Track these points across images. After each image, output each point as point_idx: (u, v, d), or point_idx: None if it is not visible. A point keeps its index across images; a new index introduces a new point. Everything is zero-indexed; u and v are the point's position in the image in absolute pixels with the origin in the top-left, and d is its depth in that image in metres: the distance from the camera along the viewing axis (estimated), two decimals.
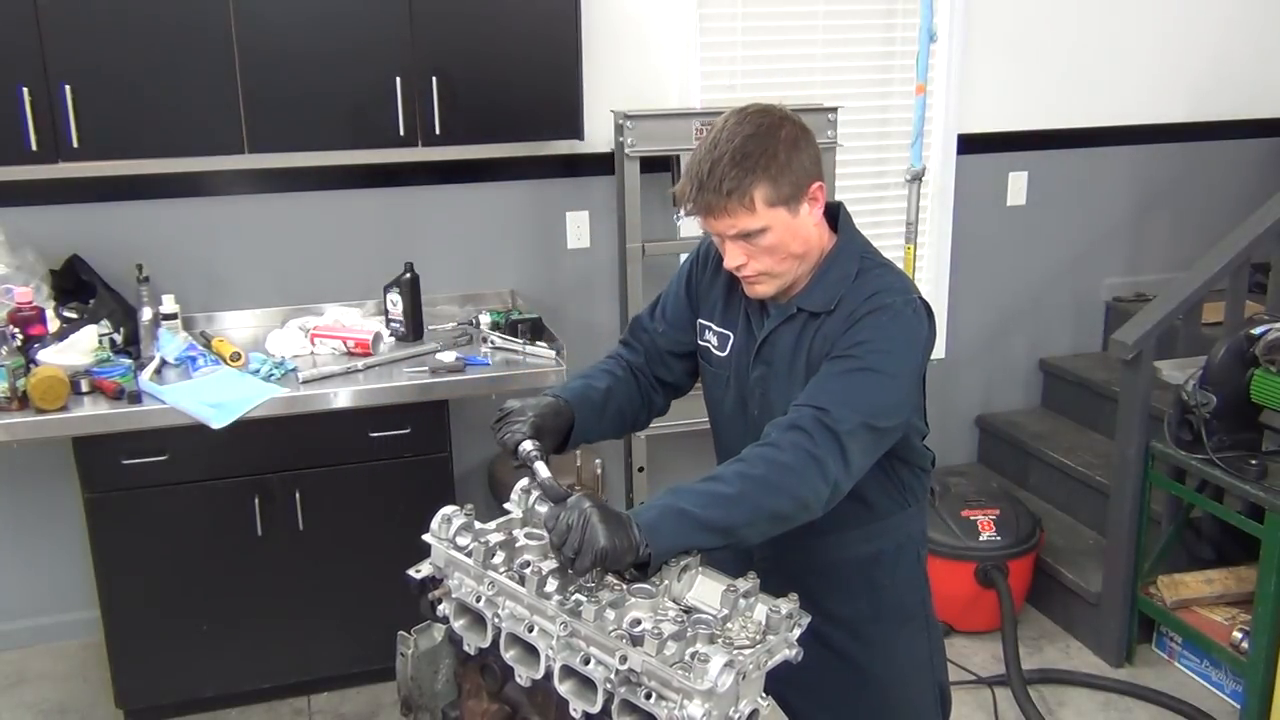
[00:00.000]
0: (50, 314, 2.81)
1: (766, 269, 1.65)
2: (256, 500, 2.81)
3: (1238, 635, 2.87)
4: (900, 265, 3.64)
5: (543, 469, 1.59)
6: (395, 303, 3.14)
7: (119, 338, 2.87)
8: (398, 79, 2.93)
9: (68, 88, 2.71)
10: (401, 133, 2.97)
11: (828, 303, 1.67)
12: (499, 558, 1.47)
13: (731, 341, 1.79)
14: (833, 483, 1.53)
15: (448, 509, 1.57)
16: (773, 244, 1.62)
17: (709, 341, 1.83)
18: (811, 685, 1.44)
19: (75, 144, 2.74)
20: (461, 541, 1.52)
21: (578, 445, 1.78)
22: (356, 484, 2.88)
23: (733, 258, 1.64)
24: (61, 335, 2.74)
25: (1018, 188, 4.02)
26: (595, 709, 1.31)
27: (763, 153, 1.57)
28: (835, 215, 1.74)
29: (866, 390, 1.58)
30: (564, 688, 1.35)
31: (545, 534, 1.49)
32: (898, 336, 1.62)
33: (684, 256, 1.93)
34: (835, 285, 1.68)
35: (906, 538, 1.87)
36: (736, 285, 1.76)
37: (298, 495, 2.84)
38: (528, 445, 1.61)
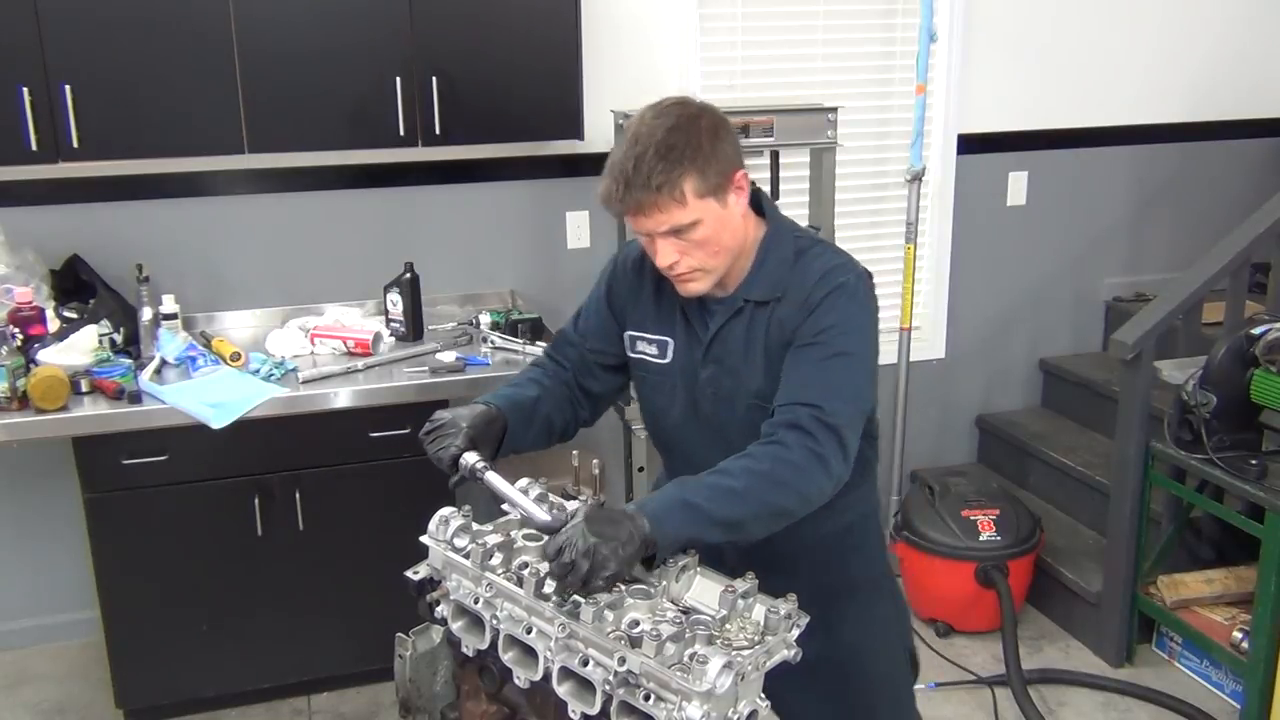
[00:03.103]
0: (50, 314, 2.81)
1: (700, 264, 1.63)
2: (256, 500, 2.81)
3: (1238, 635, 2.87)
4: (900, 265, 3.69)
5: (495, 479, 1.57)
6: (395, 303, 3.14)
7: (119, 338, 2.88)
8: (398, 79, 2.93)
9: (68, 88, 2.71)
10: (401, 133, 2.97)
11: (773, 290, 1.67)
12: (497, 559, 1.47)
13: (673, 347, 1.76)
14: (836, 478, 1.56)
15: (445, 510, 1.57)
16: (705, 237, 1.60)
17: (644, 353, 1.80)
18: (787, 665, 1.45)
19: (75, 144, 2.74)
20: (459, 543, 1.53)
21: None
22: (356, 484, 2.88)
23: (665, 256, 1.62)
24: (61, 335, 2.74)
25: (1018, 188, 4.02)
26: (594, 710, 1.32)
27: (687, 144, 1.55)
28: (757, 203, 1.73)
29: (847, 377, 1.60)
30: (562, 689, 1.35)
31: (545, 537, 1.49)
32: (859, 314, 1.64)
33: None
34: (776, 270, 1.68)
35: (869, 508, 1.88)
36: (665, 289, 1.74)
37: (298, 495, 2.84)
38: (471, 457, 1.60)
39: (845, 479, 1.58)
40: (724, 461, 1.54)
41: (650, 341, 1.79)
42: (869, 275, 1.69)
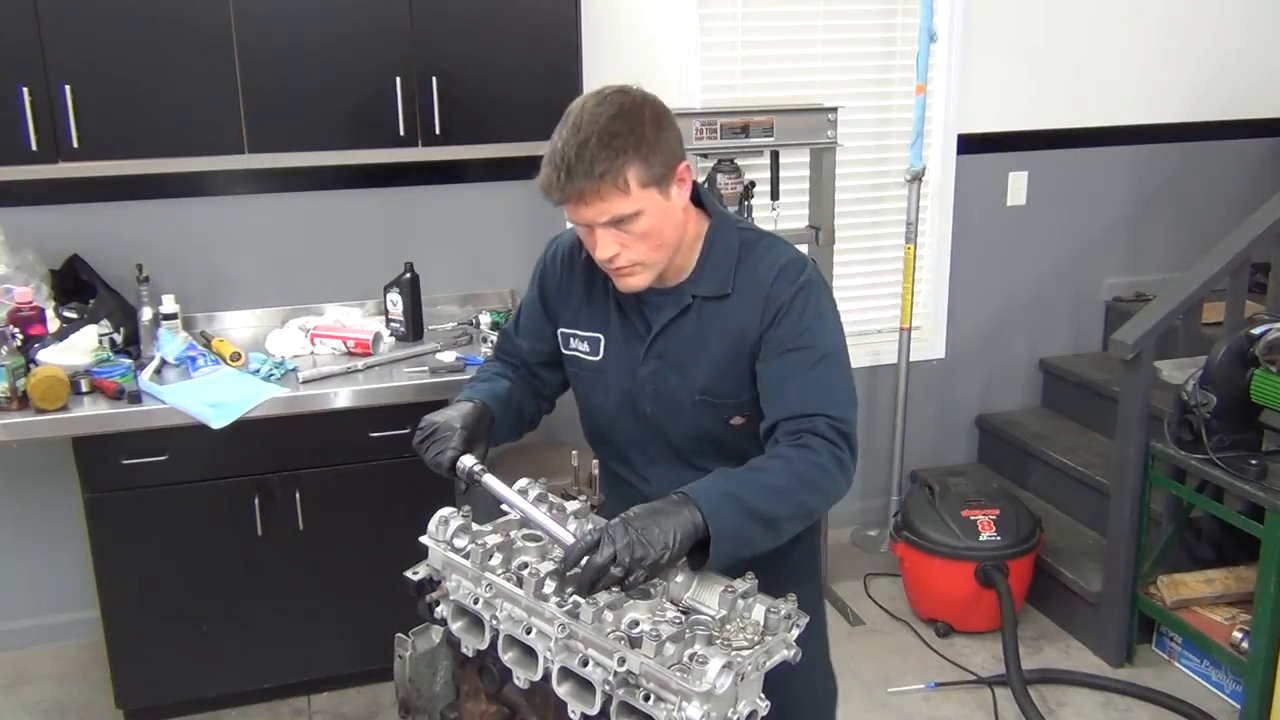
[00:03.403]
0: (50, 314, 2.81)
1: (641, 258, 1.59)
2: (256, 500, 2.81)
3: (1238, 635, 2.87)
4: (900, 265, 3.68)
5: (493, 482, 1.57)
6: (395, 303, 3.14)
7: (119, 338, 2.88)
8: (398, 79, 2.92)
9: (68, 88, 2.71)
10: (401, 133, 2.96)
11: (722, 285, 1.65)
12: (496, 559, 1.47)
13: (604, 343, 1.74)
14: (850, 481, 1.58)
15: (445, 510, 1.57)
16: (647, 229, 1.56)
17: (576, 349, 1.78)
18: None
19: (75, 144, 2.74)
20: (459, 543, 1.52)
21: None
22: (356, 484, 2.88)
23: (605, 248, 1.57)
24: (61, 335, 2.74)
25: (1018, 188, 4.02)
26: (594, 711, 1.31)
27: (630, 131, 1.51)
28: (697, 197, 1.70)
29: (840, 378, 1.62)
30: (562, 689, 1.35)
31: (544, 537, 1.50)
32: (827, 308, 1.65)
33: None
34: (722, 263, 1.66)
35: None
36: (596, 284, 1.73)
37: (298, 495, 2.84)
38: (468, 460, 1.60)
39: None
40: (756, 459, 1.55)
41: (582, 338, 1.76)
42: (815, 262, 1.71)
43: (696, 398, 1.67)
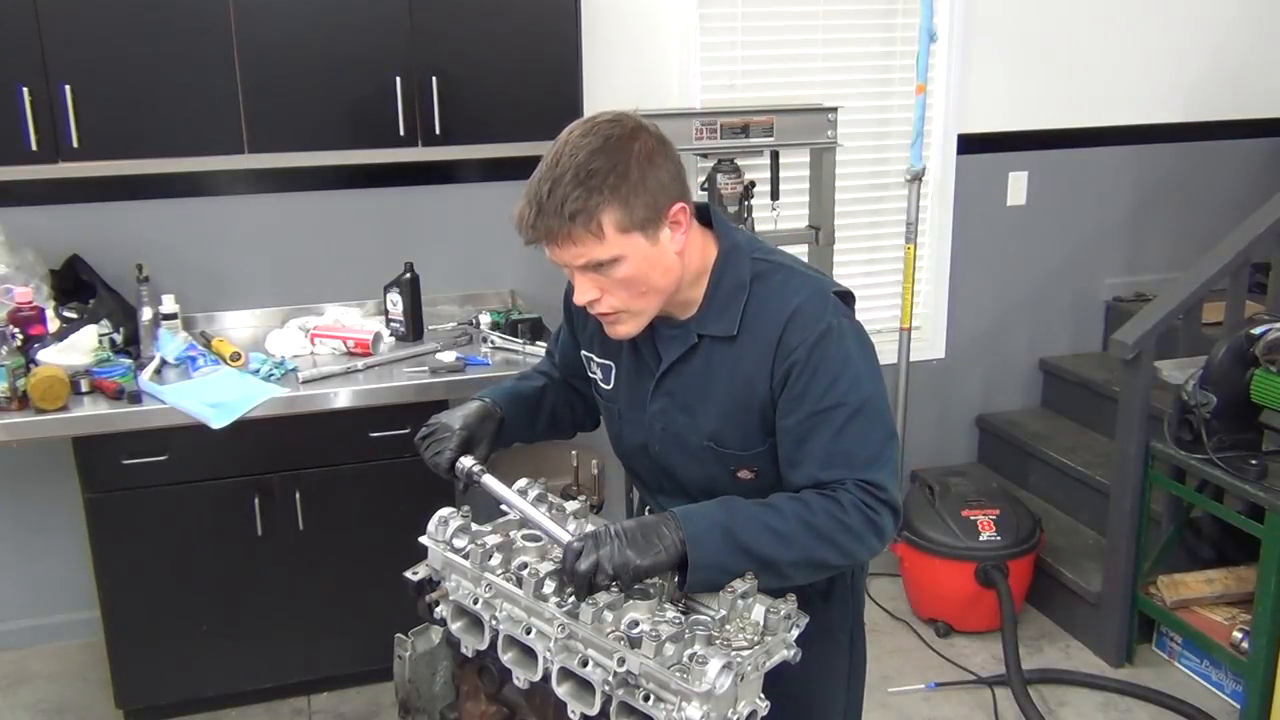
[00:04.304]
0: (50, 314, 2.81)
1: (624, 305, 1.47)
2: (256, 500, 2.81)
3: (1238, 635, 2.87)
4: (900, 265, 3.68)
5: (492, 482, 1.56)
6: (395, 303, 3.14)
7: (119, 338, 2.88)
8: (398, 79, 2.92)
9: (68, 88, 2.71)
10: (401, 133, 2.96)
11: (730, 324, 1.52)
12: (496, 560, 1.47)
13: (615, 373, 1.65)
14: (887, 540, 1.49)
15: (444, 511, 1.57)
16: (629, 276, 1.43)
17: (595, 374, 1.70)
18: None
19: (75, 144, 2.74)
20: (458, 543, 1.52)
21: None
22: (356, 484, 2.88)
23: (583, 292, 1.46)
24: (61, 335, 2.74)
25: (1018, 188, 4.02)
26: (593, 711, 1.31)
27: (611, 169, 1.38)
28: (708, 219, 1.57)
29: (872, 432, 1.48)
30: (562, 690, 1.35)
31: (543, 537, 1.50)
32: (854, 354, 1.49)
33: None
34: (731, 299, 1.52)
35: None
36: None
37: (298, 495, 2.84)
38: (467, 461, 1.57)
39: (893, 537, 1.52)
40: (776, 496, 1.46)
41: (598, 365, 1.69)
42: (845, 297, 1.54)
43: (704, 443, 1.57)
